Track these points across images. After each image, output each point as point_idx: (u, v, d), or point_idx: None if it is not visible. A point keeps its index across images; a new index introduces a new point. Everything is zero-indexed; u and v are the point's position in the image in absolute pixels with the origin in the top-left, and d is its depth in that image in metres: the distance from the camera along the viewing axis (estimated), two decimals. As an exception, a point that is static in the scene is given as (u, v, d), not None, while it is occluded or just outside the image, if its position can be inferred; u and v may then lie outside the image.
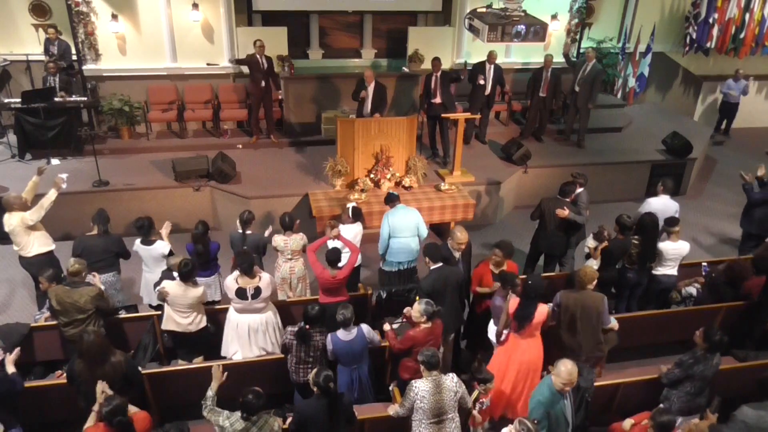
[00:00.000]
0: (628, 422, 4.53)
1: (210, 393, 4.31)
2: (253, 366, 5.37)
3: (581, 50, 11.11)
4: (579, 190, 7.03)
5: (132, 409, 4.19)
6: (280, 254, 6.34)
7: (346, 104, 9.57)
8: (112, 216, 7.98)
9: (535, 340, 5.16)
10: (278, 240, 6.29)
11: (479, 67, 9.53)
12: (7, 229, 6.11)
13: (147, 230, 6.08)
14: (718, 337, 4.80)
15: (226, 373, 4.47)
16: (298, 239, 6.26)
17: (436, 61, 8.94)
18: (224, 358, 5.52)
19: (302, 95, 9.77)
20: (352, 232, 6.41)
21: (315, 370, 4.30)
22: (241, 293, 5.29)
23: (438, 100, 8.95)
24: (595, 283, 5.27)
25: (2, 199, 6.25)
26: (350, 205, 6.86)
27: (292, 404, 5.28)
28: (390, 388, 5.32)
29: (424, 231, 6.62)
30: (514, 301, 5.07)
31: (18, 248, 6.18)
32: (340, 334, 4.94)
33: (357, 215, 6.65)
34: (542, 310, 5.09)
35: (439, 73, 8.88)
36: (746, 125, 12.18)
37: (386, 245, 6.52)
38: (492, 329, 5.53)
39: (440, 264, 5.50)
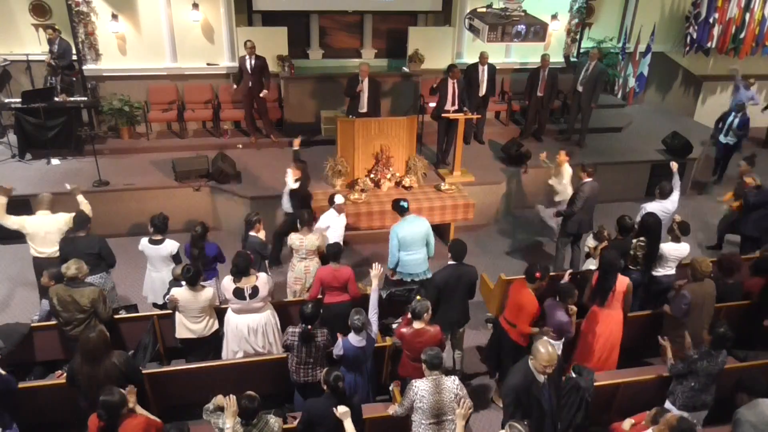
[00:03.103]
0: (628, 422, 4.54)
1: (211, 406, 4.20)
2: (253, 366, 5.36)
3: (581, 50, 11.11)
4: (587, 180, 7.08)
5: (141, 411, 4.18)
6: (295, 253, 6.26)
7: (346, 104, 9.56)
8: (111, 216, 8.07)
9: (617, 312, 5.45)
10: (294, 239, 6.19)
11: (472, 70, 9.51)
12: (48, 228, 6.05)
13: (162, 229, 6.06)
14: (722, 330, 4.78)
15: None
16: (313, 239, 6.14)
17: (454, 68, 8.83)
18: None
19: (302, 95, 9.77)
20: (333, 220, 6.34)
21: (326, 370, 4.31)
22: (238, 293, 5.27)
23: (455, 106, 8.86)
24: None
25: (39, 199, 6.22)
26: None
27: (292, 404, 5.28)
28: (390, 387, 5.32)
29: (432, 248, 6.31)
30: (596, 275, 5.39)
31: (49, 250, 6.10)
32: (353, 339, 4.87)
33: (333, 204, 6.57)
34: (623, 281, 5.42)
35: (456, 81, 8.79)
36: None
37: (396, 260, 6.22)
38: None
39: (456, 262, 5.51)
